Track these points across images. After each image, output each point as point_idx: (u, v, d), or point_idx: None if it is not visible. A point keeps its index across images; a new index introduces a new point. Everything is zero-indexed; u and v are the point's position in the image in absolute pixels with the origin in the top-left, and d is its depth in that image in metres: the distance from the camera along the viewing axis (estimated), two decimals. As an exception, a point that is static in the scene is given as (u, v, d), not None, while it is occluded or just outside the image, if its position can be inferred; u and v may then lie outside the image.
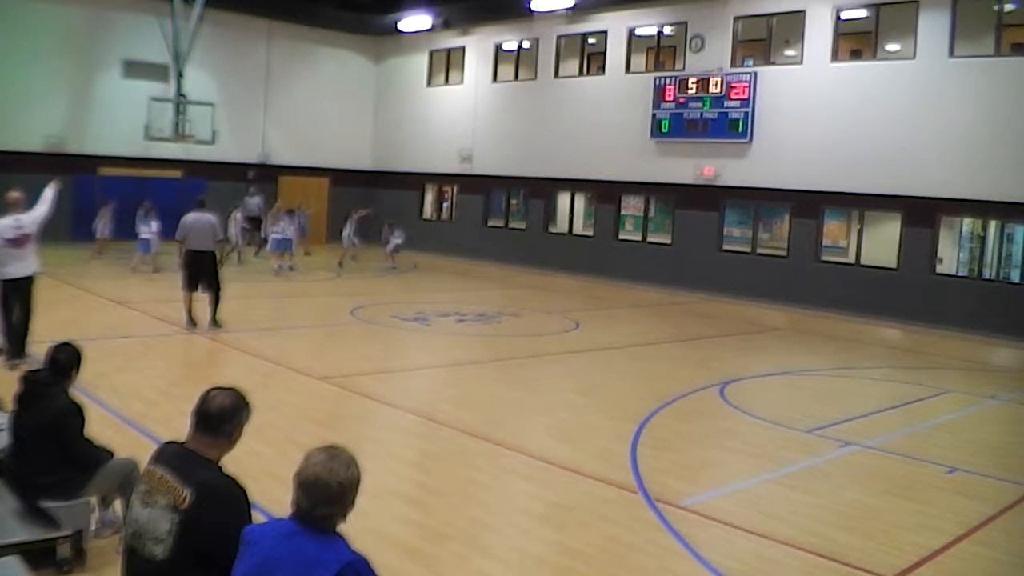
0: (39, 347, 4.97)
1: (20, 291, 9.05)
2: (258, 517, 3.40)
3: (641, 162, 21.47)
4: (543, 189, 24.07)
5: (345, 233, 21.68)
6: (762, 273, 19.39)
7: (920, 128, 16.94)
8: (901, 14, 17.55)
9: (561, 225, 24.38)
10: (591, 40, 23.36)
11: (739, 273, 19.70)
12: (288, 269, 19.38)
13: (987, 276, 17.52)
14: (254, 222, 24.67)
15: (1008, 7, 16.76)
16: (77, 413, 4.70)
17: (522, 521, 5.79)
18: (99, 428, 6.03)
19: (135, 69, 23.58)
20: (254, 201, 24.89)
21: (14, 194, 9.16)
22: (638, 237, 22.39)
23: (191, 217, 12.09)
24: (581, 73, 23.81)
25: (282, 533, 2.81)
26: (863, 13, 18.30)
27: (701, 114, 20.10)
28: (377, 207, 25.49)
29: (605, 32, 22.60)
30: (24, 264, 9.02)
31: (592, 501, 6.19)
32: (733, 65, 20.01)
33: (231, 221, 20.50)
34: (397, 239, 21.94)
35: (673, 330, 15.02)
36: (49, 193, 9.29)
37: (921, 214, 17.03)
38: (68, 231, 22.31)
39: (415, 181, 27.68)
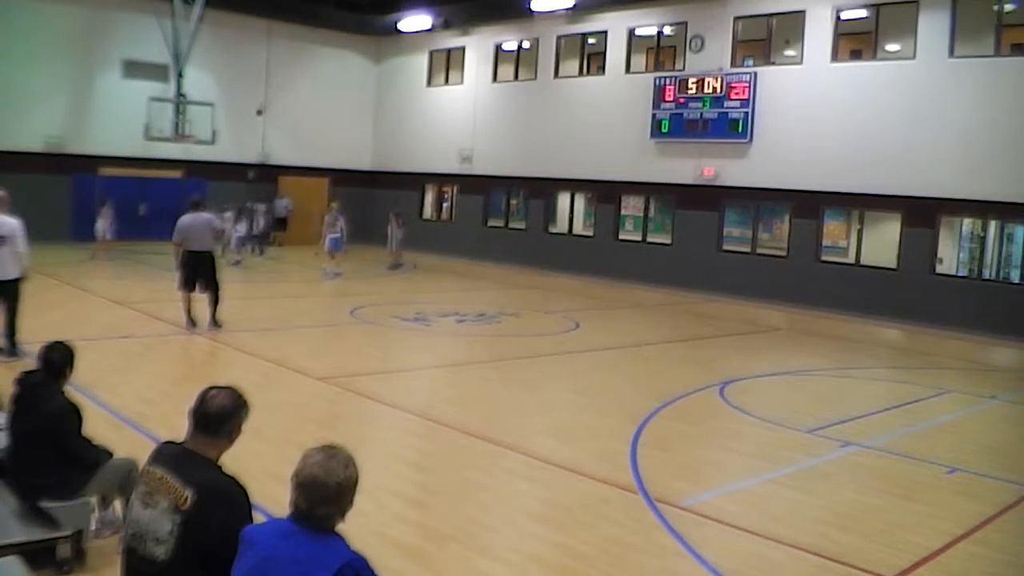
0: (38, 347, 4.96)
1: (4, 294, 9.15)
2: (258, 517, 3.40)
3: (641, 162, 21.47)
4: (543, 189, 24.06)
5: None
6: (762, 273, 19.38)
7: (920, 128, 16.94)
8: (901, 14, 17.55)
9: (561, 225, 24.38)
10: (591, 40, 23.36)
11: (739, 273, 19.70)
12: (334, 275, 19.22)
13: (987, 276, 17.52)
14: (281, 223, 25.37)
15: (1008, 7, 16.76)
16: (74, 413, 4.69)
17: (522, 521, 5.79)
18: (99, 428, 6.03)
19: (135, 69, 23.57)
20: (282, 203, 25.47)
21: None
22: (638, 237, 22.38)
23: (188, 218, 12.07)
24: (581, 73, 23.81)
25: (281, 533, 2.81)
26: (863, 13, 18.30)
27: (701, 114, 20.10)
28: (378, 207, 25.59)
29: (605, 32, 22.60)
30: (4, 267, 9.07)
31: (592, 501, 6.18)
32: (733, 65, 20.02)
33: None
34: (399, 234, 21.84)
35: (673, 330, 15.02)
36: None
37: (921, 214, 17.02)
38: (68, 231, 22.35)
39: (415, 181, 27.68)
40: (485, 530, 5.64)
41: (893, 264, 17.59)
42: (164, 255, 17.81)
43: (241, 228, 20.70)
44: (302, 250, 24.02)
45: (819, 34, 18.58)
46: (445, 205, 27.64)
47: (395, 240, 21.76)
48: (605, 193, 22.59)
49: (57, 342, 4.89)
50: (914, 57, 17.25)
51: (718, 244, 20.38)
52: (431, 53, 27.42)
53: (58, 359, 4.79)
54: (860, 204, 18.19)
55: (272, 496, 5.24)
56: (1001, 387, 11.65)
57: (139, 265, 19.30)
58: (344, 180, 27.96)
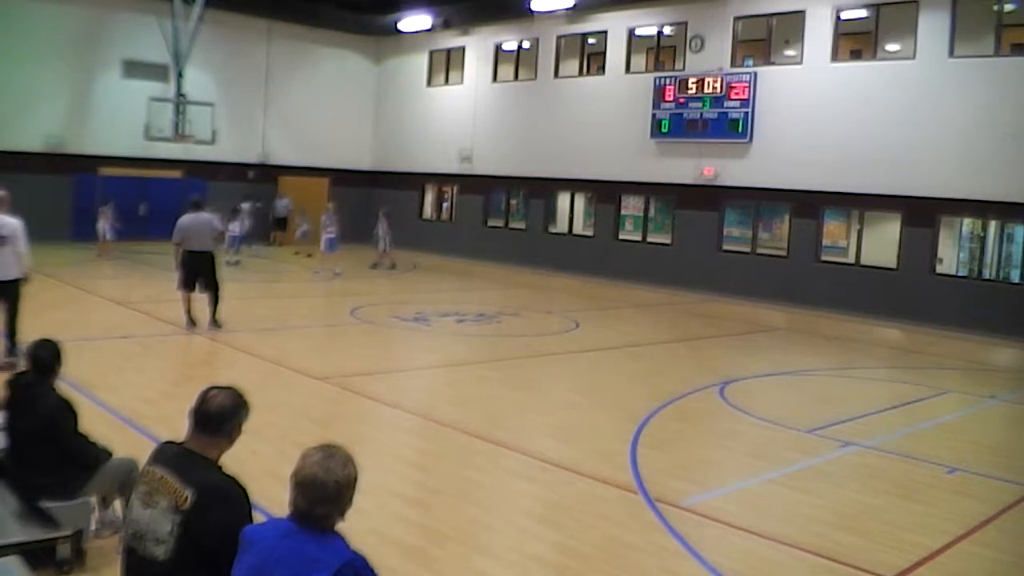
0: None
1: (4, 294, 9.12)
2: (258, 517, 3.40)
3: (641, 162, 21.47)
4: (543, 189, 24.07)
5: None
6: (762, 273, 19.38)
7: (920, 128, 16.94)
8: (901, 14, 17.55)
9: (561, 225, 24.38)
10: (591, 40, 23.35)
11: (739, 273, 19.70)
12: (335, 275, 19.22)
13: (987, 276, 17.52)
14: (281, 223, 25.52)
15: (1008, 7, 16.75)
16: (68, 409, 4.67)
17: (522, 521, 5.79)
18: (99, 428, 6.04)
19: (135, 69, 23.57)
20: (283, 203, 25.59)
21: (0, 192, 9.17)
22: (638, 237, 22.38)
23: (188, 218, 12.07)
24: (581, 73, 23.81)
25: (280, 533, 2.80)
26: (863, 13, 18.30)
27: (701, 114, 20.10)
28: (378, 207, 25.54)
29: (605, 32, 22.60)
30: (5, 268, 9.04)
31: (592, 501, 6.18)
32: (733, 65, 20.01)
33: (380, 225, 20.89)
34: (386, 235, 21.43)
35: (673, 330, 15.02)
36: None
37: (921, 214, 17.02)
38: (68, 231, 22.35)
39: (415, 181, 27.68)
40: (485, 530, 5.64)
41: (893, 264, 17.58)
42: (164, 255, 17.81)
43: (235, 228, 20.71)
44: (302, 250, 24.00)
45: (819, 34, 18.58)
46: (445, 205, 27.63)
47: (387, 239, 21.50)
48: (605, 193, 22.59)
49: (44, 340, 4.86)
50: (914, 57, 17.25)
51: (718, 244, 20.38)
52: (431, 53, 27.42)
53: (46, 356, 4.76)
54: (860, 204, 18.18)
55: (272, 496, 5.24)
56: (1001, 387, 11.65)
57: (139, 265, 19.30)
58: (344, 180, 27.96)
